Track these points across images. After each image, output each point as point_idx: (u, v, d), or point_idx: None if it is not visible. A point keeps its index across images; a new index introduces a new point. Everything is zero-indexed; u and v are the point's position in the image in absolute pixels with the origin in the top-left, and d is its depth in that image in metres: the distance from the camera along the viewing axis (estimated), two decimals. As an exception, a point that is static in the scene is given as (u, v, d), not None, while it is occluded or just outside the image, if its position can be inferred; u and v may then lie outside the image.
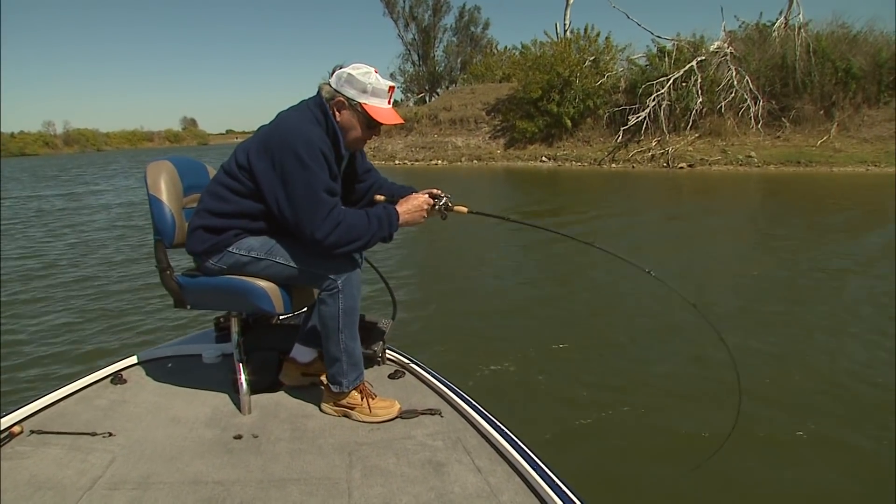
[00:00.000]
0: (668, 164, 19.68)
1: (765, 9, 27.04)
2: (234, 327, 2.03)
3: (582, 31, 25.83)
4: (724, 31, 22.03)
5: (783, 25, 21.47)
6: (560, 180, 18.56)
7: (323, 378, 2.09)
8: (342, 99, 1.86)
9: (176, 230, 2.02)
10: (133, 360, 2.43)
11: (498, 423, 1.80)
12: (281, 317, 2.57)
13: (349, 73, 1.85)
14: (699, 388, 3.57)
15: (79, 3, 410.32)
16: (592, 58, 23.64)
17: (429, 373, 2.23)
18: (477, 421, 1.85)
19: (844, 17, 21.78)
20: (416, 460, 1.69)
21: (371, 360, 2.35)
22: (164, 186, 2.03)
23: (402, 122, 2.02)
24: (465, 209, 2.03)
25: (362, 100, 1.86)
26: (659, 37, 22.97)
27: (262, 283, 1.91)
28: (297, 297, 2.00)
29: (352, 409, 1.95)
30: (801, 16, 21.08)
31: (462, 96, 29.35)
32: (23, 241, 9.53)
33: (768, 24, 21.92)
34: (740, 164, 18.61)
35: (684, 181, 16.94)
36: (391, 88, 1.91)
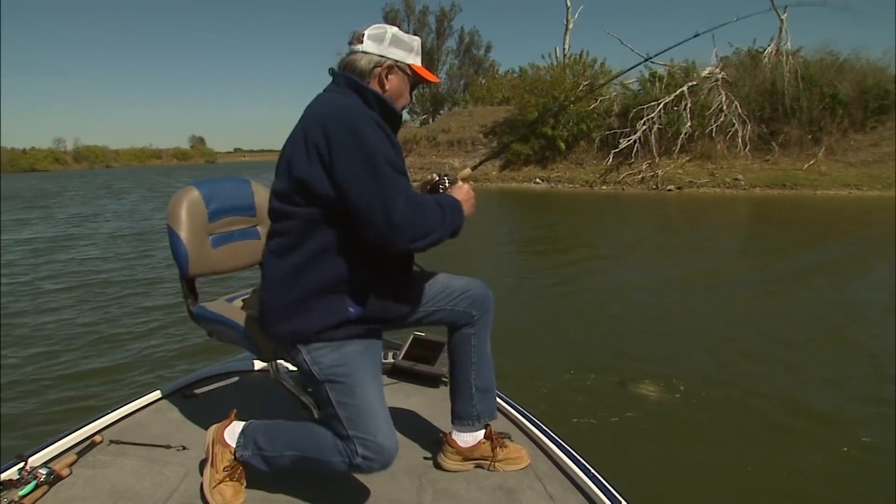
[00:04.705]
0: (657, 186, 20.03)
1: (757, 35, 27.64)
2: (270, 363, 1.98)
3: (577, 57, 26.47)
4: (716, 56, 22.54)
5: (774, 52, 21.88)
6: (552, 201, 18.90)
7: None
8: (391, 63, 1.57)
9: (190, 261, 1.93)
10: (203, 374, 2.44)
11: (569, 449, 1.76)
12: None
13: (394, 34, 1.58)
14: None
15: (92, 23, 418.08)
16: (587, 82, 24.11)
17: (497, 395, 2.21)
18: (547, 446, 1.82)
19: (832, 44, 22.25)
20: (487, 485, 1.66)
21: (437, 381, 2.33)
22: (184, 216, 1.94)
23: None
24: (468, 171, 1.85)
25: (411, 60, 1.60)
26: (652, 62, 23.42)
27: (247, 324, 1.79)
28: None
29: (485, 460, 1.75)
30: (789, 43, 21.58)
31: (460, 118, 29.88)
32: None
33: (760, 50, 22.38)
34: (727, 187, 18.95)
35: (671, 203, 17.30)
36: None
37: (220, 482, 1.56)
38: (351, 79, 1.53)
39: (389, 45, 1.56)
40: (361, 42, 1.55)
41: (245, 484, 1.60)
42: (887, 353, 4.43)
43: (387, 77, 1.57)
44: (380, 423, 1.44)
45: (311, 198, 1.42)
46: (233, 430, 1.65)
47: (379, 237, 1.38)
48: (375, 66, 1.55)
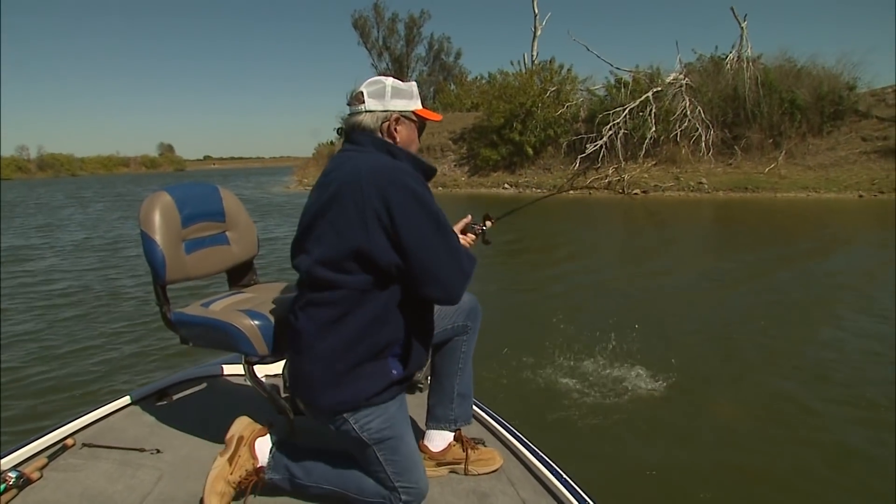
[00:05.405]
0: (623, 190, 20.30)
1: (719, 42, 28.33)
2: (245, 368, 1.93)
3: (546, 64, 26.76)
4: (680, 63, 22.99)
5: (735, 59, 22.42)
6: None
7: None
8: (397, 115, 1.58)
9: (167, 267, 1.88)
10: (178, 377, 2.42)
11: (541, 454, 1.78)
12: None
13: (392, 86, 1.58)
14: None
15: (56, 27, 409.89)
16: (554, 88, 24.37)
17: None
18: (520, 451, 1.83)
19: (790, 51, 22.97)
20: (461, 490, 1.67)
21: (413, 388, 2.30)
22: (157, 221, 1.88)
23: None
24: (491, 222, 2.02)
25: (414, 107, 1.62)
26: (618, 68, 23.84)
27: (241, 324, 1.74)
28: (282, 341, 1.80)
29: (458, 464, 1.79)
30: (750, 50, 22.13)
31: (429, 125, 29.35)
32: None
33: (722, 56, 22.88)
34: (692, 190, 19.34)
35: (638, 206, 17.55)
36: None
37: (227, 486, 1.57)
38: (378, 139, 1.55)
39: (391, 98, 1.57)
40: (363, 101, 1.56)
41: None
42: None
43: (395, 129, 1.58)
44: (421, 473, 1.56)
45: (369, 265, 1.41)
46: (262, 446, 1.64)
47: (447, 292, 1.44)
48: (383, 122, 1.56)
